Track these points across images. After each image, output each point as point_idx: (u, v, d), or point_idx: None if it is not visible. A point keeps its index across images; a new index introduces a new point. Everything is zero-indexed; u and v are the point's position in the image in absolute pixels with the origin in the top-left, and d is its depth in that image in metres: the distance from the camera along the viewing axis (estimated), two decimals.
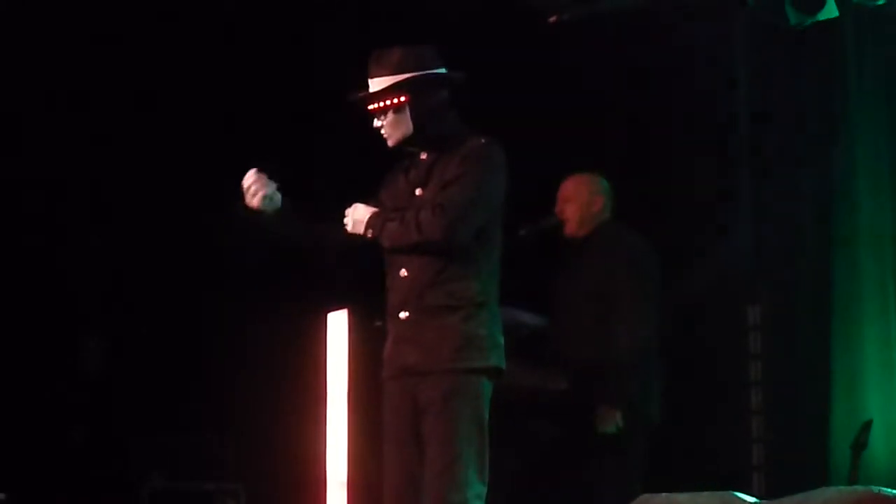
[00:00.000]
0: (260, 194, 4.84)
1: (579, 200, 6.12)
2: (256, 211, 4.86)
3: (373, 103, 4.92)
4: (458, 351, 4.77)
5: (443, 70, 4.95)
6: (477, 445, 4.74)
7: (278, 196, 4.87)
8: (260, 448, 7.00)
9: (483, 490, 4.73)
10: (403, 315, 4.87)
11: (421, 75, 4.89)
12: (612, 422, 5.80)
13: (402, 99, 4.87)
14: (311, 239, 5.11)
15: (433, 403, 4.76)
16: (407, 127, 4.91)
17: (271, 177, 4.86)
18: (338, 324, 5.49)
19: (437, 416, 4.75)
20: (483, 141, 4.89)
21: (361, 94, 4.94)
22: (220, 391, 7.10)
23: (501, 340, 4.87)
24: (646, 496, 4.39)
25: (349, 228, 4.87)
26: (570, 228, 6.11)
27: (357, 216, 4.86)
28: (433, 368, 4.78)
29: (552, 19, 6.24)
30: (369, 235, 4.84)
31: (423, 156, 4.96)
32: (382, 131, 4.95)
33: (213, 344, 7.13)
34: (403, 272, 4.89)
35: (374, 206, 4.91)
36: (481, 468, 4.74)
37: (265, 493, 6.97)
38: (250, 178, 4.86)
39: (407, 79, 4.87)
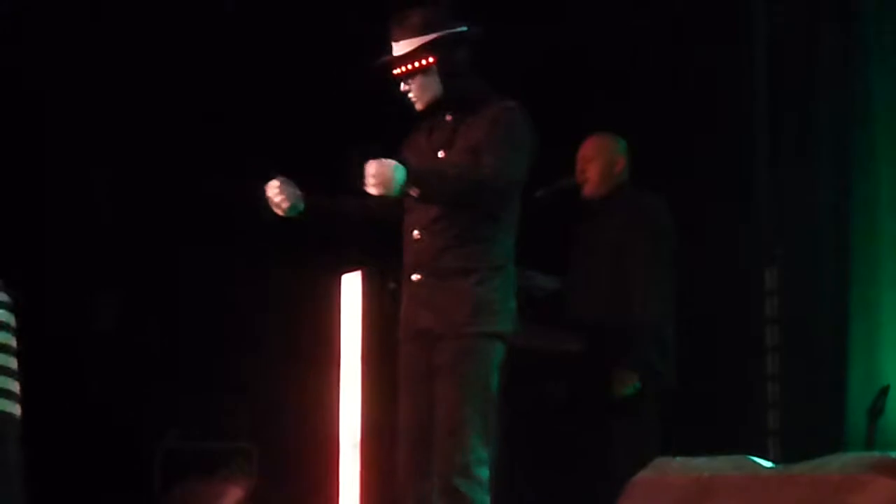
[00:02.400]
0: (284, 206, 4.83)
1: (602, 160, 6.07)
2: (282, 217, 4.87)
3: (399, 67, 4.86)
4: (470, 315, 4.74)
5: (464, 28, 4.91)
6: (483, 410, 4.72)
7: (302, 201, 4.84)
8: (273, 409, 7.01)
9: (485, 456, 4.70)
10: (416, 277, 4.85)
11: (447, 34, 4.84)
12: (629, 384, 5.78)
13: (431, 60, 4.83)
14: (343, 220, 5.08)
15: (444, 366, 4.75)
16: (436, 88, 4.86)
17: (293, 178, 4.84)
18: (352, 285, 5.46)
19: (446, 378, 4.74)
20: (510, 105, 4.85)
21: (387, 59, 4.89)
22: (234, 352, 7.10)
23: (514, 305, 4.84)
24: (661, 460, 4.36)
25: (375, 189, 4.61)
26: (590, 188, 6.06)
27: (389, 175, 4.59)
28: (445, 331, 4.76)
29: None
30: (414, 194, 4.65)
31: (448, 118, 4.92)
32: (410, 95, 4.90)
33: (227, 304, 7.13)
34: (416, 234, 4.86)
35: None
36: (486, 434, 4.71)
37: (278, 454, 6.98)
38: (274, 189, 4.83)
39: (434, 39, 4.82)
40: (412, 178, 4.61)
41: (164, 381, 7.20)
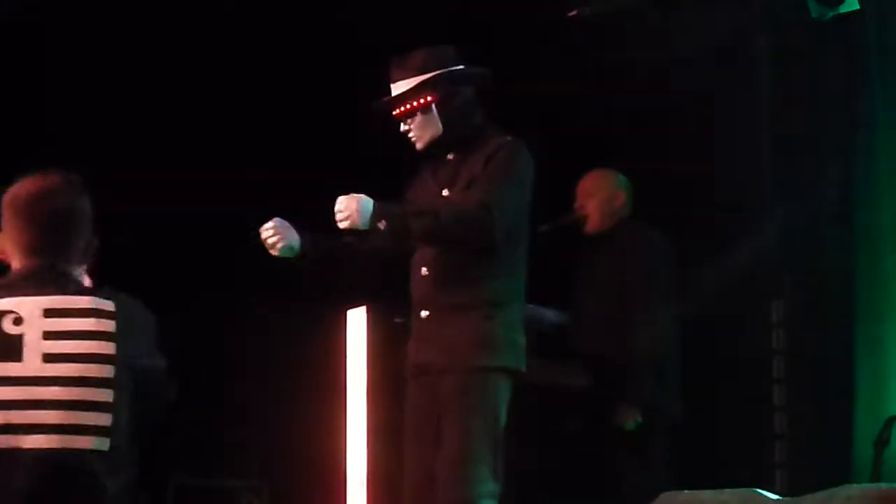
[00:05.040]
0: (279, 245, 4.85)
1: (601, 196, 6.11)
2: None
3: (399, 107, 4.88)
4: (474, 350, 4.75)
5: (464, 67, 4.94)
6: (490, 444, 4.72)
7: (297, 242, 4.85)
8: (282, 445, 7.00)
9: (496, 489, 4.71)
10: (424, 314, 4.86)
11: (446, 73, 4.87)
12: (631, 419, 5.78)
13: (429, 98, 4.85)
14: (345, 259, 5.08)
15: (449, 401, 4.75)
16: (436, 127, 4.88)
17: (291, 219, 4.86)
18: (357, 320, 5.48)
19: (451, 413, 4.74)
20: (508, 139, 4.87)
21: (386, 99, 4.92)
22: (243, 389, 7.10)
23: (521, 341, 4.84)
24: (668, 493, 4.36)
25: (347, 223, 4.68)
26: (592, 224, 6.09)
27: (354, 207, 4.67)
28: (449, 367, 4.76)
29: (572, 14, 6.21)
30: (381, 226, 4.69)
31: (451, 156, 4.93)
32: (410, 135, 4.92)
33: (234, 342, 7.13)
34: (424, 270, 4.88)
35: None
36: (495, 467, 4.72)
37: (287, 490, 6.98)
38: (268, 231, 4.85)
39: (432, 77, 4.85)
40: (379, 211, 4.65)
41: (174, 419, 7.19)
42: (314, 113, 6.90)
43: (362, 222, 4.66)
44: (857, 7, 5.83)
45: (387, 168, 5.24)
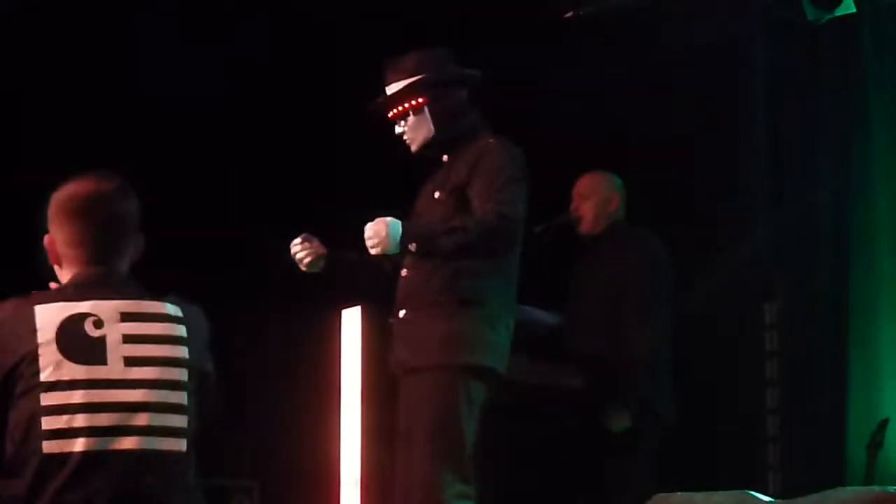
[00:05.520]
0: (306, 261, 4.91)
1: (596, 198, 6.10)
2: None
3: (392, 109, 4.90)
4: (440, 347, 4.72)
5: (457, 69, 4.95)
6: (458, 444, 4.67)
7: (324, 258, 4.92)
8: (274, 445, 6.99)
9: (466, 489, 4.66)
10: (401, 314, 4.87)
11: (436, 74, 4.88)
12: (620, 421, 5.78)
13: (421, 100, 4.86)
14: (369, 275, 5.09)
15: (416, 401, 4.73)
16: (428, 128, 4.89)
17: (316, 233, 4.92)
18: (352, 320, 5.47)
19: (418, 413, 4.72)
20: (491, 140, 4.86)
21: (379, 100, 4.93)
22: (235, 388, 7.07)
23: (497, 339, 4.80)
24: (661, 495, 4.37)
25: (378, 249, 4.69)
26: (586, 226, 6.09)
27: (384, 234, 4.68)
28: (417, 365, 4.75)
29: (568, 15, 6.22)
30: (412, 248, 4.71)
31: (445, 158, 4.95)
32: (405, 137, 4.93)
33: (228, 340, 7.10)
34: (404, 272, 4.88)
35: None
36: (462, 468, 4.66)
37: (279, 491, 6.97)
38: (297, 246, 4.91)
39: (423, 79, 4.87)
40: (408, 233, 4.68)
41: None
42: (315, 113, 6.89)
43: (393, 247, 4.68)
44: (854, 10, 5.84)
45: (387, 168, 5.24)
